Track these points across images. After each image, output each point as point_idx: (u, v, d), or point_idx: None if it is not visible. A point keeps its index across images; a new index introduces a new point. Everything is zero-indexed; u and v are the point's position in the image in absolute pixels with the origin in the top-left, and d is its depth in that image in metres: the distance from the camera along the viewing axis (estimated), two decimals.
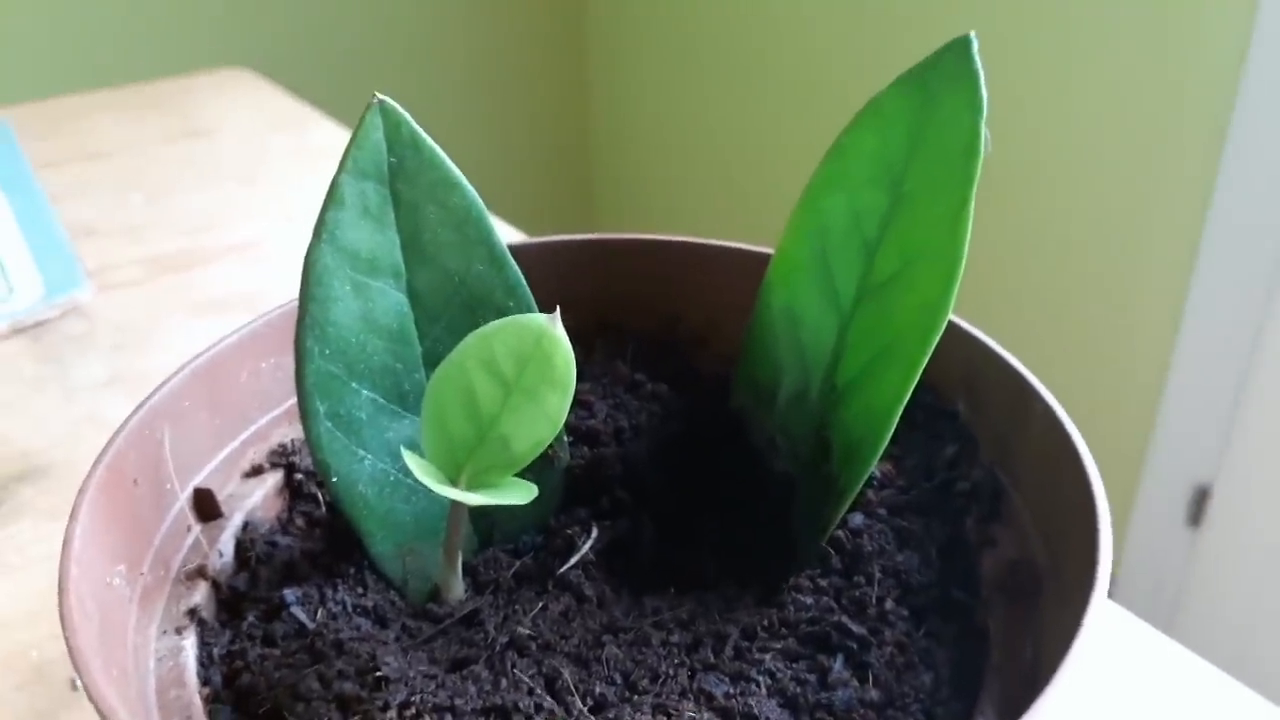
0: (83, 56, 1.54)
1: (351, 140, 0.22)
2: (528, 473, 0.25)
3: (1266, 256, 1.04)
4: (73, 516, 0.21)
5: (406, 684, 0.22)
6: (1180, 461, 1.18)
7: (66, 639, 0.18)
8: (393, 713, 0.21)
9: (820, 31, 1.48)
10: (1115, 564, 1.26)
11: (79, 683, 0.37)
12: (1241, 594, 1.18)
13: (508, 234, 0.67)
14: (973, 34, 0.25)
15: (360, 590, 0.24)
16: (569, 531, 0.27)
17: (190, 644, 0.22)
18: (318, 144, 0.84)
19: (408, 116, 0.23)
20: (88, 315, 0.62)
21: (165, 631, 0.23)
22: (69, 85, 1.03)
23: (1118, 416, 1.25)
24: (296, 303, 0.24)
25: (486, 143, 1.87)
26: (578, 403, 0.30)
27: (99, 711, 0.17)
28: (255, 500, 0.26)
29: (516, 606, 0.25)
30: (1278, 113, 1.00)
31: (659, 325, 0.31)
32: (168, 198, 0.76)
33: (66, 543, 0.20)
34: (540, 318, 0.22)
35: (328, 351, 0.23)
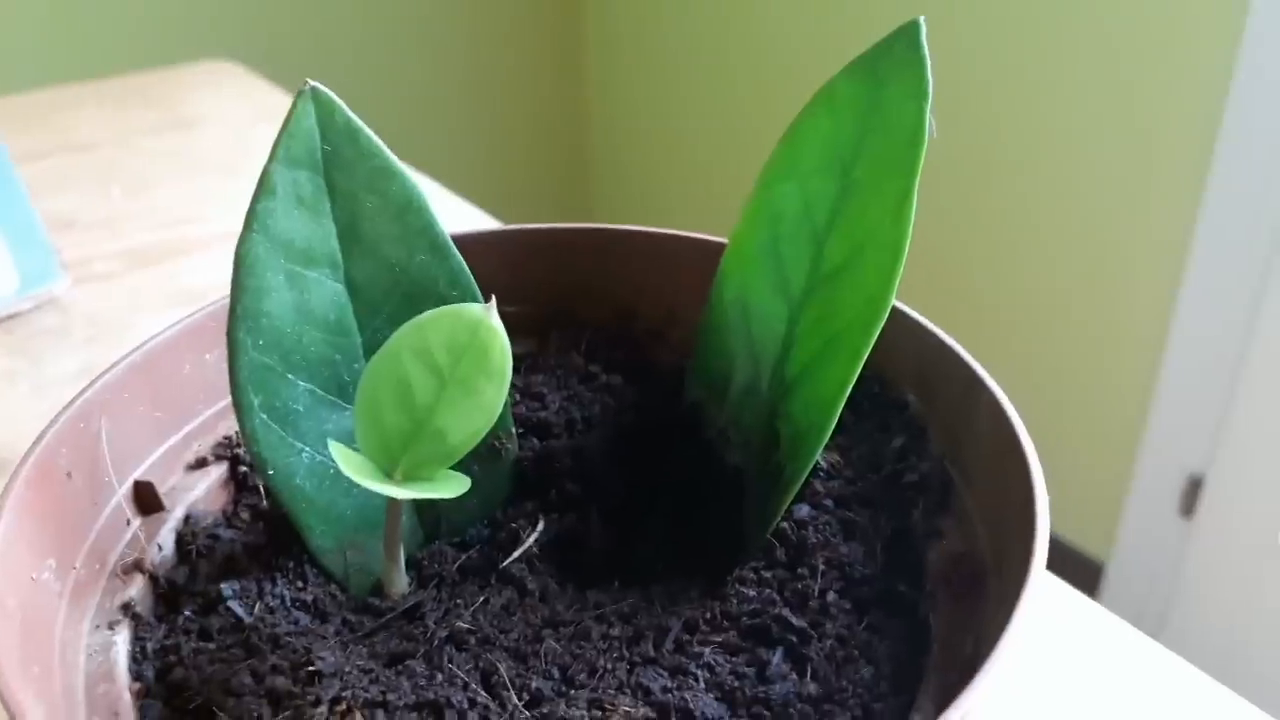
0: (64, 49, 1.53)
1: (282, 128, 0.22)
2: (475, 465, 0.24)
3: (1261, 245, 1.04)
4: None
5: (340, 678, 0.21)
6: (1173, 451, 1.18)
7: None
8: (324, 708, 0.21)
9: (819, 27, 1.47)
10: (1107, 553, 1.26)
11: None
12: (1234, 584, 1.17)
13: (483, 222, 0.66)
14: (922, 19, 0.24)
15: (300, 584, 0.24)
16: (515, 525, 0.26)
17: (123, 639, 0.22)
18: None
19: (342, 105, 0.22)
20: (63, 308, 0.61)
21: (98, 626, 0.22)
22: (50, 78, 1.03)
23: (1111, 406, 1.25)
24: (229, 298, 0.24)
25: (482, 136, 1.86)
26: (529, 394, 0.30)
27: (9, 711, 0.17)
28: (198, 493, 0.26)
29: (458, 600, 0.24)
30: (1272, 99, 1.00)
31: (614, 316, 0.31)
32: (149, 190, 0.76)
33: None
34: (476, 307, 0.22)
35: (261, 343, 0.22)
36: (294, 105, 0.22)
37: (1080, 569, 1.29)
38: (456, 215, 0.68)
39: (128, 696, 0.21)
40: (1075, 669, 0.33)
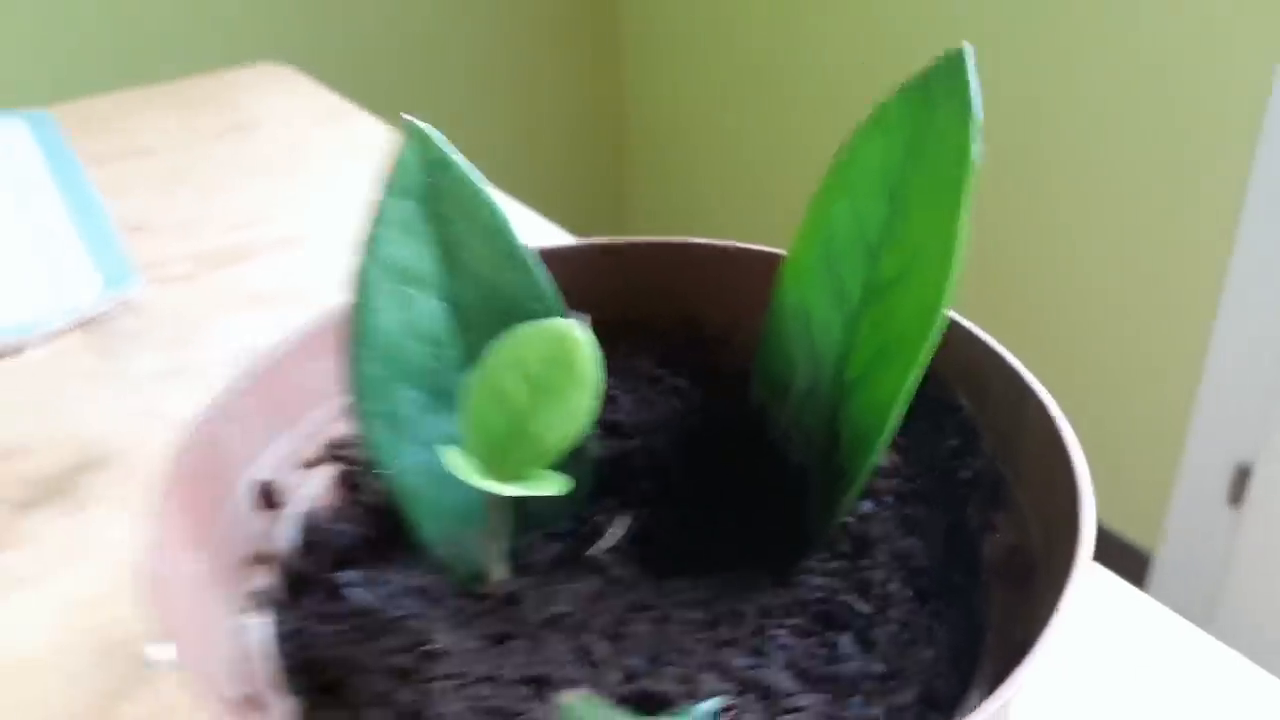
0: (111, 54, 1.57)
1: (390, 163, 0.24)
2: (560, 465, 0.27)
3: None
4: (153, 509, 0.23)
5: (455, 657, 0.24)
6: (1221, 440, 1.18)
7: (157, 618, 0.21)
8: (443, 682, 0.23)
9: (857, 36, 1.48)
10: (1156, 542, 1.27)
11: (151, 660, 0.40)
12: None
13: (545, 229, 0.69)
14: (969, 47, 0.26)
15: (411, 573, 0.27)
16: (598, 519, 0.29)
17: (259, 622, 0.25)
18: (359, 139, 0.86)
19: (438, 138, 0.25)
20: (141, 310, 0.64)
21: (236, 611, 0.25)
22: (103, 83, 1.06)
23: (1159, 395, 1.25)
24: (342, 307, 0.27)
25: (522, 139, 1.89)
26: (604, 397, 0.32)
27: (191, 680, 0.19)
28: (312, 490, 0.28)
29: (552, 587, 0.27)
30: None
31: (681, 324, 0.33)
32: (214, 193, 0.79)
33: (151, 532, 0.22)
34: (563, 322, 0.24)
35: (374, 356, 0.25)
36: (398, 142, 0.24)
37: (1128, 558, 1.30)
38: (514, 218, 0.71)
39: (270, 672, 0.24)
40: (1122, 658, 0.35)
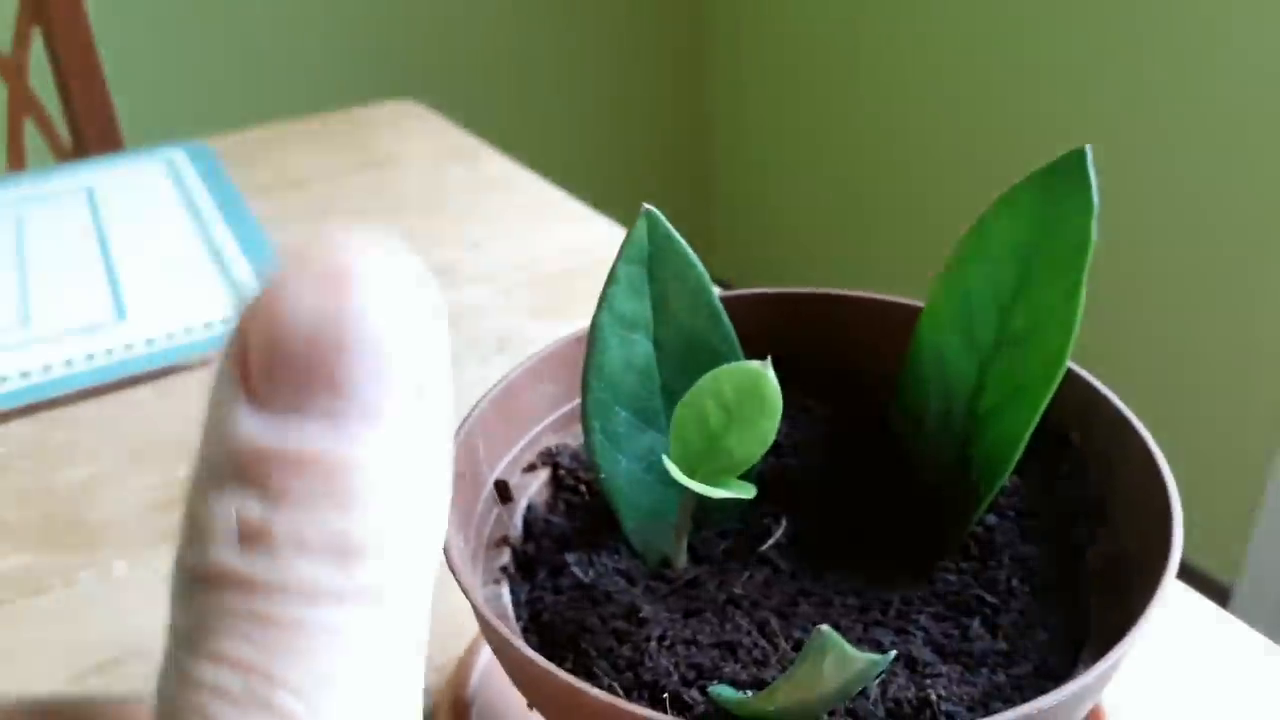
0: (242, 90, 1.69)
1: (626, 237, 0.31)
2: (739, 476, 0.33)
3: None
4: None
5: (659, 623, 0.30)
6: None
7: (460, 583, 0.27)
8: (653, 642, 0.30)
9: (941, 74, 1.53)
10: (1235, 577, 1.29)
11: None
12: None
13: None
14: (1088, 147, 0.32)
15: (616, 557, 0.33)
16: (764, 521, 0.35)
17: (504, 592, 0.32)
18: (490, 175, 0.94)
19: (662, 218, 0.32)
20: None
21: (487, 583, 0.32)
22: (241, 117, 1.16)
23: (1243, 429, 1.28)
24: (556, 346, 0.34)
25: (613, 168, 1.97)
26: None
27: (487, 628, 0.26)
28: (533, 490, 0.35)
29: (728, 574, 0.33)
30: None
31: (827, 360, 0.39)
32: (362, 223, 0.87)
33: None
34: (756, 364, 0.31)
35: (602, 385, 0.32)
36: (636, 222, 0.31)
37: (1207, 591, 1.32)
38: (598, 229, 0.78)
39: (518, 630, 0.30)
40: (1204, 676, 0.40)
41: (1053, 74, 1.41)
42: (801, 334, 0.39)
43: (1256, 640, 0.44)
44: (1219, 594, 1.32)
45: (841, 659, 0.21)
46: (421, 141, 1.03)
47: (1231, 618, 0.45)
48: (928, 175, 1.64)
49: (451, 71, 1.82)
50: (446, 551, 0.28)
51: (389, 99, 1.13)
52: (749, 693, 0.27)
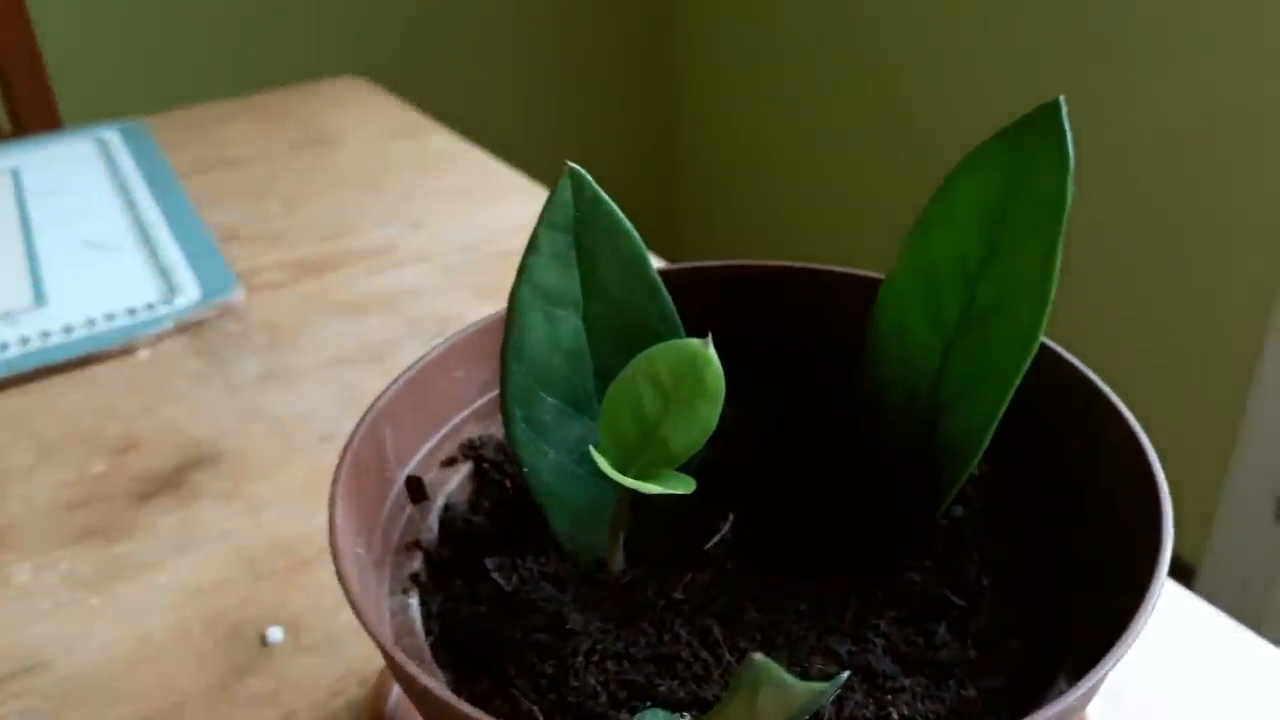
0: (189, 67, 1.63)
1: (548, 199, 0.28)
2: (678, 468, 0.30)
3: None
4: (331, 501, 0.26)
5: (589, 635, 0.27)
6: (1268, 457, 1.19)
7: (348, 594, 0.24)
8: (580, 657, 0.26)
9: (900, 65, 1.51)
10: (1201, 557, 1.28)
11: (269, 639, 0.44)
12: None
13: None
14: (1062, 98, 0.29)
15: (543, 560, 0.30)
16: (708, 516, 0.32)
17: (414, 602, 0.28)
18: (436, 152, 0.90)
19: (589, 179, 0.28)
20: (240, 315, 0.68)
21: (394, 592, 0.28)
22: (185, 94, 1.11)
23: (1206, 413, 1.26)
24: (479, 325, 0.30)
25: (570, 144, 1.93)
26: None
27: (383, 650, 0.23)
28: (452, 486, 0.32)
29: (669, 576, 0.30)
30: None
31: (781, 340, 0.36)
32: (301, 204, 0.83)
33: (332, 521, 0.26)
34: (695, 342, 0.27)
35: (524, 368, 0.28)
36: (558, 182, 0.27)
37: (1171, 572, 1.31)
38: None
39: (426, 646, 0.27)
40: (1172, 658, 0.38)
41: (1026, 34, 1.39)
42: (751, 312, 0.36)
43: (1223, 622, 0.41)
44: (1183, 574, 1.31)
45: (779, 691, 0.17)
46: (365, 118, 0.99)
47: (1198, 599, 0.42)
48: (902, 148, 1.61)
49: (403, 49, 1.76)
50: (338, 559, 0.25)
51: (336, 76, 1.09)
52: (686, 716, 0.24)
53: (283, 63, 1.67)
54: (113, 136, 0.96)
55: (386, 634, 0.23)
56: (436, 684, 0.21)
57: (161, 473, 0.55)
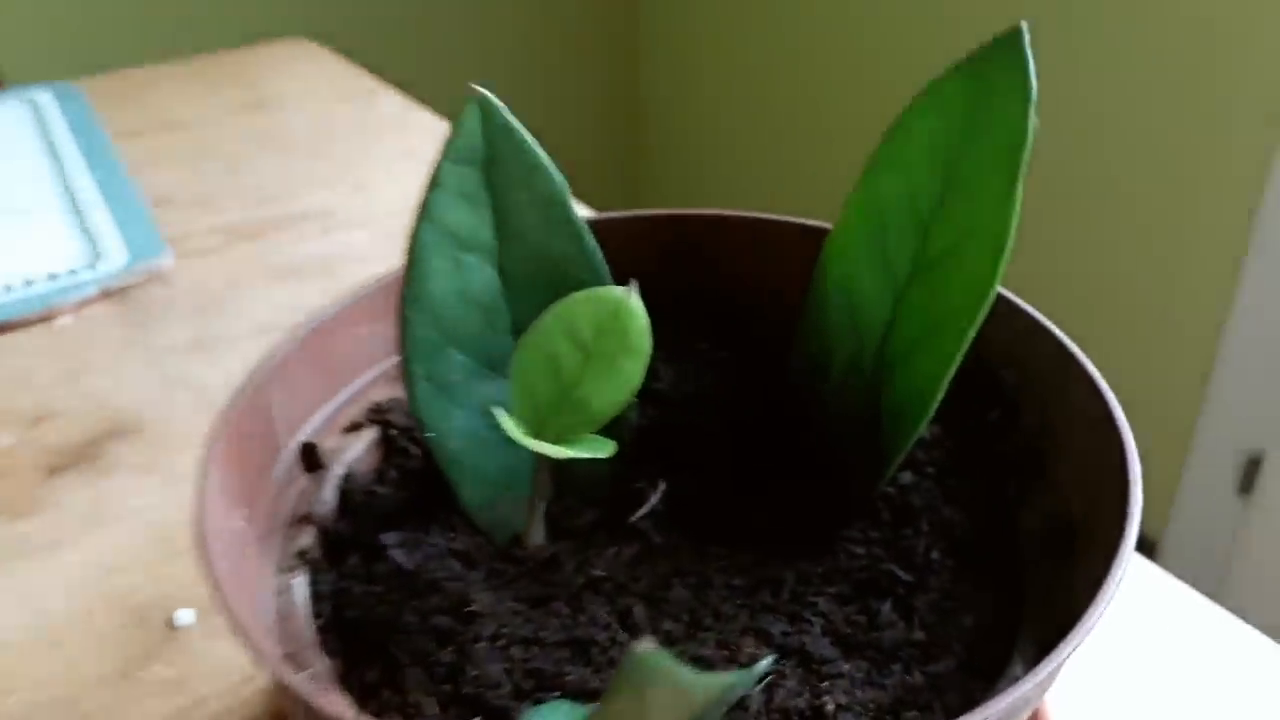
0: (135, 28, 1.58)
1: (451, 129, 0.24)
2: (602, 431, 0.27)
3: None
4: (202, 471, 0.23)
5: (495, 618, 0.24)
6: (1232, 429, 1.18)
7: (208, 571, 0.21)
8: (484, 643, 0.23)
9: (871, 8, 1.48)
10: (1163, 530, 1.27)
11: (176, 622, 0.41)
12: None
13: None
14: (1024, 24, 0.26)
15: (451, 535, 0.27)
16: (638, 485, 0.29)
17: (301, 582, 0.25)
18: (383, 115, 0.86)
19: (502, 107, 0.25)
20: (169, 281, 0.65)
21: (280, 570, 0.25)
22: (130, 57, 1.07)
23: (1170, 383, 1.25)
24: (390, 277, 0.27)
25: (538, 109, 1.88)
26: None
27: (237, 632, 0.20)
28: (354, 454, 0.29)
29: (591, 551, 0.27)
30: None
31: (722, 295, 0.33)
32: (239, 168, 0.79)
33: (200, 491, 0.23)
34: (618, 290, 0.25)
35: (427, 320, 0.25)
36: (463, 109, 0.24)
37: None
38: None
39: (312, 632, 0.24)
40: (1132, 628, 0.35)
41: None
42: (690, 265, 0.33)
43: (1192, 596, 0.39)
44: (1145, 547, 1.30)
45: (671, 690, 0.14)
46: (313, 81, 0.95)
47: (1165, 574, 0.40)
48: (878, 100, 1.58)
49: (357, 13, 1.71)
50: (201, 533, 0.22)
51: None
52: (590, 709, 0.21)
53: (233, 26, 1.61)
54: (46, 98, 0.91)
55: (248, 616, 0.20)
56: (286, 672, 0.18)
57: (75, 445, 0.51)
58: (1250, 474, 1.18)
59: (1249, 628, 0.35)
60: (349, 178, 0.76)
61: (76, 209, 0.74)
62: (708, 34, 1.84)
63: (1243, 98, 1.09)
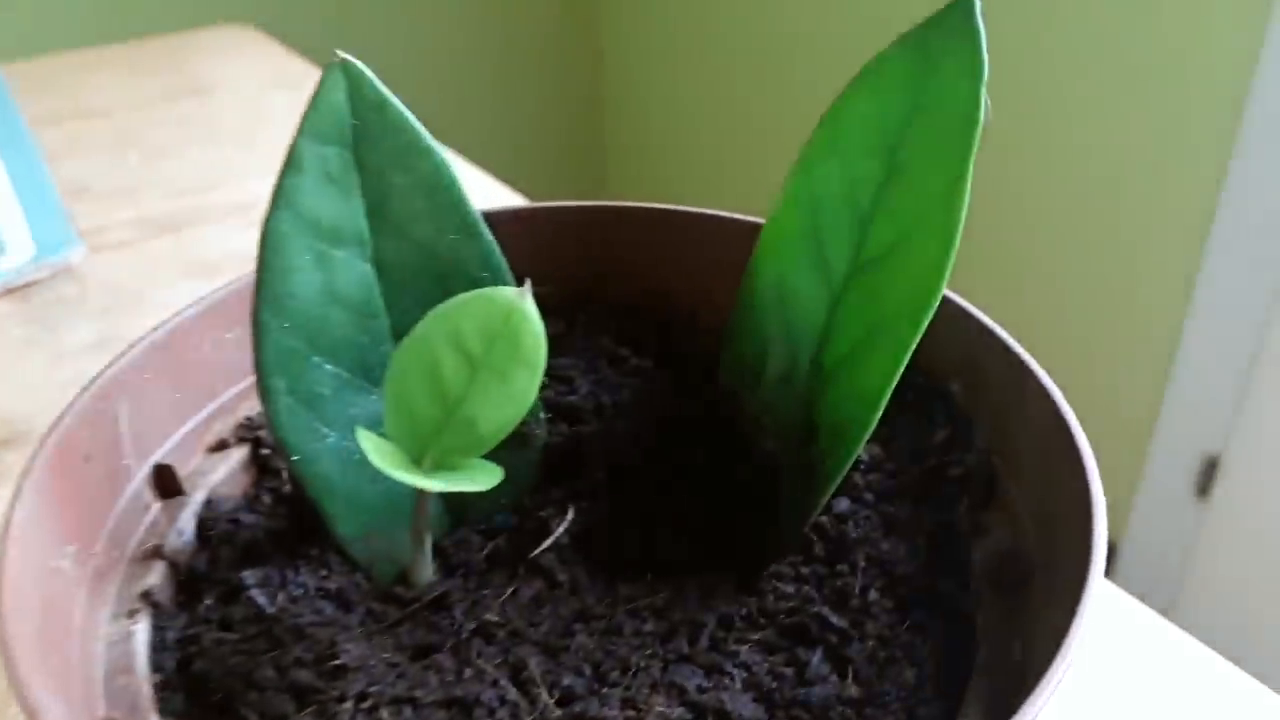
0: (77, 12, 1.52)
1: (310, 102, 0.21)
2: (501, 450, 0.24)
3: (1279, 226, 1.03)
4: (16, 497, 0.20)
5: (366, 673, 0.21)
6: (1189, 431, 1.17)
7: (2, 619, 0.17)
8: (349, 704, 0.20)
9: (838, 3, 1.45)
10: (1120, 533, 1.26)
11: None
12: (1248, 566, 1.17)
13: (516, 202, 0.65)
14: None
15: (324, 572, 0.24)
16: (544, 513, 0.25)
17: (143, 628, 0.22)
18: None
19: (372, 77, 0.22)
20: (79, 277, 0.61)
21: (117, 615, 0.22)
22: (64, 42, 1.02)
23: (1127, 385, 1.23)
24: (252, 276, 0.23)
25: (496, 107, 1.84)
26: (558, 378, 0.29)
27: (25, 709, 0.16)
28: (219, 476, 0.25)
29: (486, 591, 0.24)
30: None
31: (645, 298, 0.30)
32: (165, 157, 0.75)
33: (6, 525, 0.19)
34: (509, 291, 0.21)
35: (287, 325, 0.22)
36: (322, 78, 0.21)
37: None
38: (477, 187, 0.67)
39: (148, 689, 0.20)
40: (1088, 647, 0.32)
41: None
42: (610, 266, 0.30)
43: (1142, 611, 0.36)
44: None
45: None
46: (248, 68, 0.91)
47: (1113, 586, 0.37)
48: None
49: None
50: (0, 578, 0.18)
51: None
52: None
53: (175, 14, 1.56)
54: None
55: (41, 700, 0.16)
56: None
57: None
58: (1207, 476, 1.17)
59: (1203, 646, 0.32)
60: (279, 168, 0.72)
61: None
62: (671, 26, 1.80)
63: (1200, 95, 1.08)
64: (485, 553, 0.25)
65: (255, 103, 0.84)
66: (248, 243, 0.63)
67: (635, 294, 0.30)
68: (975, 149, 0.22)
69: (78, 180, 0.71)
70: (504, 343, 0.21)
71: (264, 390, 0.22)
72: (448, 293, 0.23)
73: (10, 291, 0.59)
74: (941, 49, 0.23)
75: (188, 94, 0.87)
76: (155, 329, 0.24)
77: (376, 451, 0.20)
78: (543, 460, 0.27)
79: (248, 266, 0.65)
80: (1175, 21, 1.09)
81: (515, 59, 1.86)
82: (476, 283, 0.24)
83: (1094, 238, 1.23)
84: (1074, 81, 1.19)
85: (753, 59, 1.65)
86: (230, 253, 0.62)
